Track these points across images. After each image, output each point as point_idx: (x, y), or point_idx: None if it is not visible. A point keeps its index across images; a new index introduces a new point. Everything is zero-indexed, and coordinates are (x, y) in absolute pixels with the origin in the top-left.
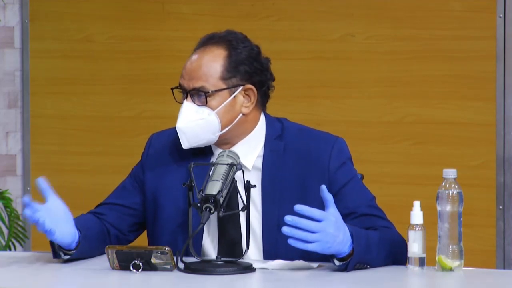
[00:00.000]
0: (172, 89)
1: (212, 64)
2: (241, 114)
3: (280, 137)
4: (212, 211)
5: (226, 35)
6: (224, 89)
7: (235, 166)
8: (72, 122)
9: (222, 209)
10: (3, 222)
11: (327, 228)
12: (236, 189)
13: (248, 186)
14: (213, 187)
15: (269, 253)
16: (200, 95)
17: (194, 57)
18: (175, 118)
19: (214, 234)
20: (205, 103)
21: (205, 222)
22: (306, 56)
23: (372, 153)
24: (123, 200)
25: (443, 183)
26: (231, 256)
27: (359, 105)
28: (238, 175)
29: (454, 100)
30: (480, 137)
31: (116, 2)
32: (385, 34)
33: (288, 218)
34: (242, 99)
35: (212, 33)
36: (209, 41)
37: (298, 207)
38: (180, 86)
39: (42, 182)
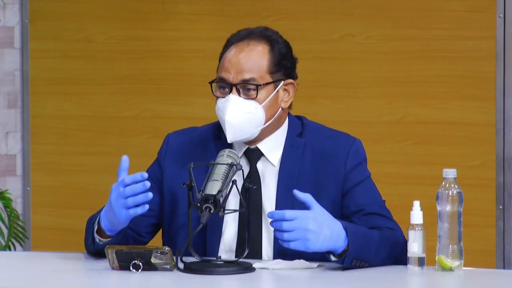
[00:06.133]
0: (210, 83)
1: (260, 58)
2: (280, 109)
3: (301, 134)
4: (212, 211)
5: (263, 30)
6: (270, 82)
7: (235, 166)
8: (72, 122)
9: (222, 209)
10: (3, 222)
11: (303, 225)
12: (255, 188)
13: (248, 186)
14: (213, 187)
15: (279, 250)
16: (249, 88)
17: (237, 50)
18: (175, 118)
19: (233, 234)
20: (255, 96)
21: (205, 222)
22: (306, 56)
23: (372, 153)
24: None
25: (443, 183)
26: (249, 256)
27: (359, 105)
28: (262, 170)
29: (454, 100)
30: (480, 137)
31: (116, 2)
32: (385, 34)
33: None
34: (282, 94)
35: (246, 28)
36: (248, 36)
37: (270, 214)
38: (222, 80)
39: (125, 161)
